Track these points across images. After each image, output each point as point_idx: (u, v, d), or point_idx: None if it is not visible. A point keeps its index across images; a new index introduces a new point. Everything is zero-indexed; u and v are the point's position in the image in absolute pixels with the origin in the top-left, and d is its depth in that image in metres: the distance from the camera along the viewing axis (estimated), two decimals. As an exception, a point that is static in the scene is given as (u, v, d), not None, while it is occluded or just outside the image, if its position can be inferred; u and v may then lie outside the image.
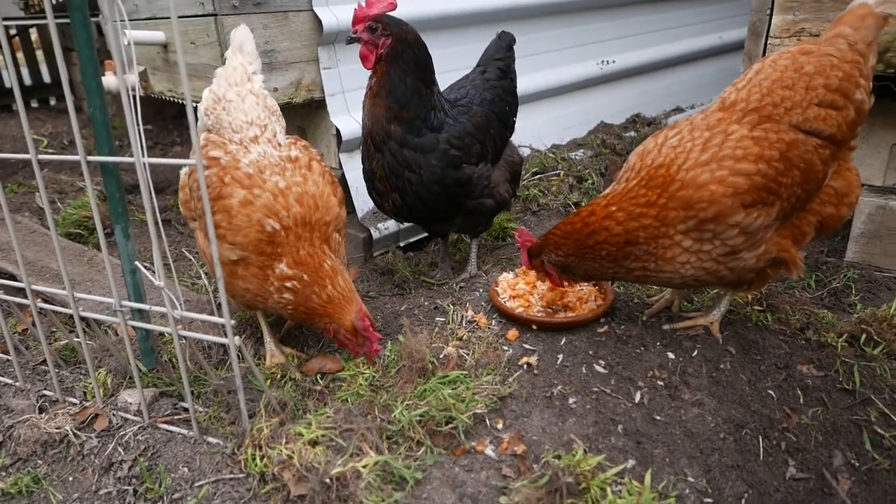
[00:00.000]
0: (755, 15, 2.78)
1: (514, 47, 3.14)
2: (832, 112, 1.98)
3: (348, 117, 3.50)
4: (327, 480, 1.69)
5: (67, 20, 1.85)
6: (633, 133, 4.84)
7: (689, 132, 2.02)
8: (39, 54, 7.50)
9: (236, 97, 2.35)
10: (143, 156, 1.69)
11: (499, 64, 3.06)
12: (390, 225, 3.53)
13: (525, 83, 4.46)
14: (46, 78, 7.44)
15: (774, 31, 2.69)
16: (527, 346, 2.22)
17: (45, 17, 6.69)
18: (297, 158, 2.24)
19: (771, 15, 2.70)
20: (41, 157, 1.87)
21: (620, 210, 2.00)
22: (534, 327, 2.29)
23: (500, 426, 1.92)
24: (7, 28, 6.85)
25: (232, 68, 2.41)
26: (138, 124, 1.76)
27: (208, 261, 2.28)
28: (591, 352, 2.17)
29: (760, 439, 1.91)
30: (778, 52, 2.12)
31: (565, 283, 2.29)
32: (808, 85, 1.98)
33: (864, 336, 2.22)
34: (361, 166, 2.88)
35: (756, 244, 1.97)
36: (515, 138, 4.41)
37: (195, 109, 2.57)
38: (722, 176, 1.89)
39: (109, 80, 3.30)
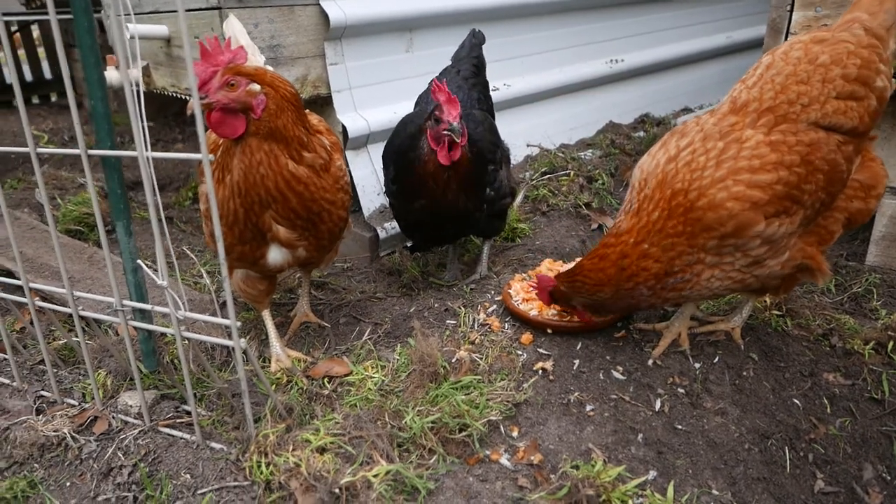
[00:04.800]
0: (775, 11, 2.70)
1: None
2: (852, 104, 1.84)
3: (355, 114, 3.42)
4: (336, 490, 1.62)
5: (69, 15, 1.78)
6: (642, 133, 4.76)
7: (701, 142, 1.88)
8: (41, 51, 7.43)
9: None
10: (147, 150, 1.62)
11: (473, 61, 3.03)
12: (397, 225, 3.45)
13: (534, 81, 4.41)
14: (48, 74, 7.38)
15: (795, 27, 2.62)
16: (541, 350, 2.15)
17: (46, 13, 6.62)
18: (309, 112, 2.22)
19: (791, 10, 2.63)
20: (41, 150, 1.80)
21: (653, 246, 1.87)
22: (549, 331, 2.21)
23: (515, 434, 1.85)
24: (8, 24, 6.77)
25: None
26: (142, 118, 1.69)
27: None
28: (608, 357, 2.10)
29: (787, 450, 1.84)
30: (789, 42, 1.96)
31: (594, 319, 2.21)
32: (825, 77, 1.83)
33: (891, 343, 2.15)
34: (398, 177, 2.75)
35: (780, 251, 1.88)
36: (524, 137, 4.36)
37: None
38: (739, 192, 1.76)
39: (111, 74, 3.23)
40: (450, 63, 3.08)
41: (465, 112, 2.83)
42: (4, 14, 1.72)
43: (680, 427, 1.87)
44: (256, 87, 1.86)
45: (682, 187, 1.84)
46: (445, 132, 2.37)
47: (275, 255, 2.12)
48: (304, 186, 1.98)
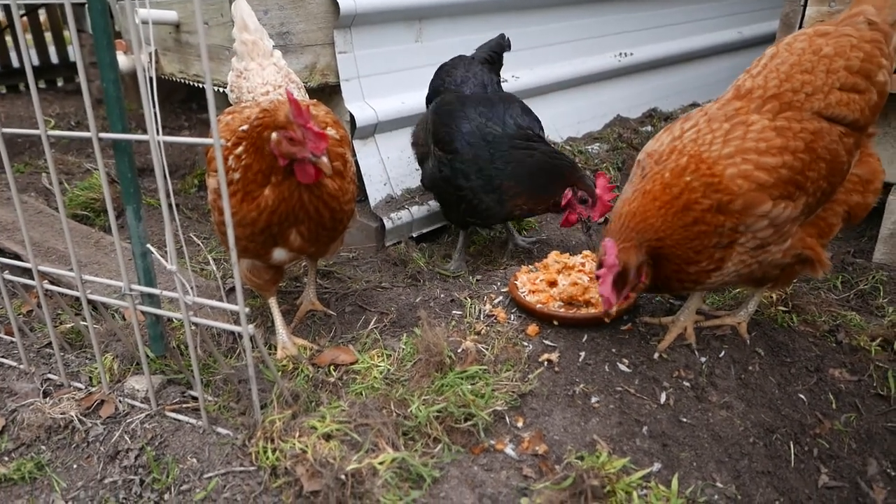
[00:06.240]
0: (788, 5, 2.69)
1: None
2: (855, 96, 1.85)
3: (363, 103, 3.42)
4: (342, 476, 1.62)
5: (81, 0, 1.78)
6: (649, 127, 4.75)
7: (706, 124, 1.89)
8: (48, 36, 7.41)
9: (257, 67, 2.40)
10: (158, 133, 1.62)
11: (492, 55, 3.21)
12: (403, 215, 3.45)
13: (542, 73, 4.39)
14: (54, 59, 7.37)
15: (808, 21, 2.60)
16: (547, 342, 2.15)
17: (53, -3, 6.59)
18: (317, 103, 2.28)
19: (805, 5, 2.61)
20: (51, 133, 1.80)
21: (695, 180, 1.81)
22: (555, 323, 2.21)
23: (520, 424, 1.85)
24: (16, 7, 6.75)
25: (252, 43, 2.38)
26: (154, 102, 1.69)
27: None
28: (614, 350, 2.10)
29: (791, 445, 1.84)
30: (792, 35, 1.98)
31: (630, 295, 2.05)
32: (829, 68, 1.85)
33: (897, 340, 2.15)
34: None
35: (783, 237, 1.88)
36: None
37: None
38: (747, 171, 1.78)
39: (119, 59, 3.22)
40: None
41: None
42: (16, -4, 1.71)
43: (685, 420, 1.87)
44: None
45: (692, 154, 1.85)
46: (582, 219, 2.79)
47: (279, 253, 2.12)
48: (336, 200, 2.00)
